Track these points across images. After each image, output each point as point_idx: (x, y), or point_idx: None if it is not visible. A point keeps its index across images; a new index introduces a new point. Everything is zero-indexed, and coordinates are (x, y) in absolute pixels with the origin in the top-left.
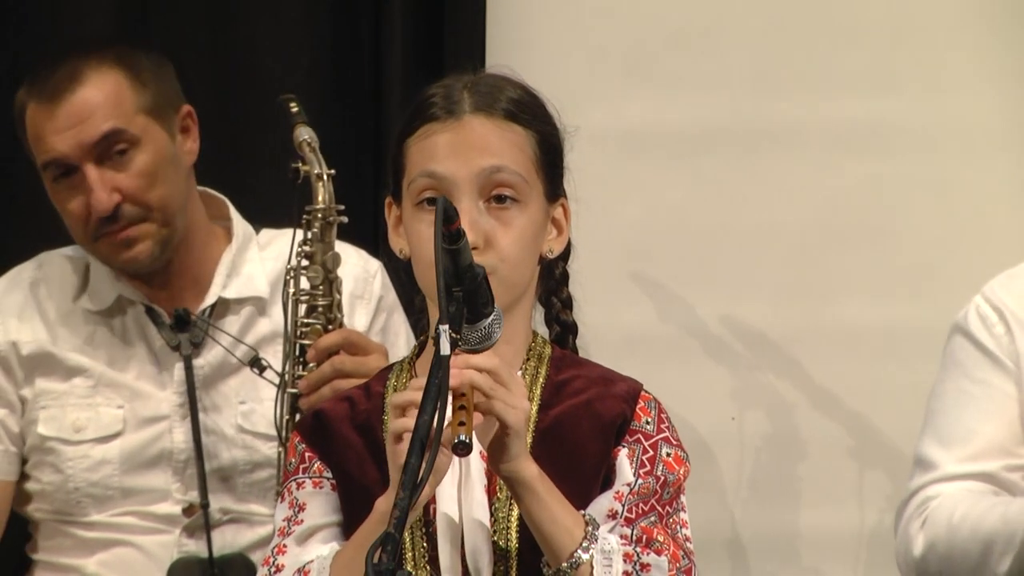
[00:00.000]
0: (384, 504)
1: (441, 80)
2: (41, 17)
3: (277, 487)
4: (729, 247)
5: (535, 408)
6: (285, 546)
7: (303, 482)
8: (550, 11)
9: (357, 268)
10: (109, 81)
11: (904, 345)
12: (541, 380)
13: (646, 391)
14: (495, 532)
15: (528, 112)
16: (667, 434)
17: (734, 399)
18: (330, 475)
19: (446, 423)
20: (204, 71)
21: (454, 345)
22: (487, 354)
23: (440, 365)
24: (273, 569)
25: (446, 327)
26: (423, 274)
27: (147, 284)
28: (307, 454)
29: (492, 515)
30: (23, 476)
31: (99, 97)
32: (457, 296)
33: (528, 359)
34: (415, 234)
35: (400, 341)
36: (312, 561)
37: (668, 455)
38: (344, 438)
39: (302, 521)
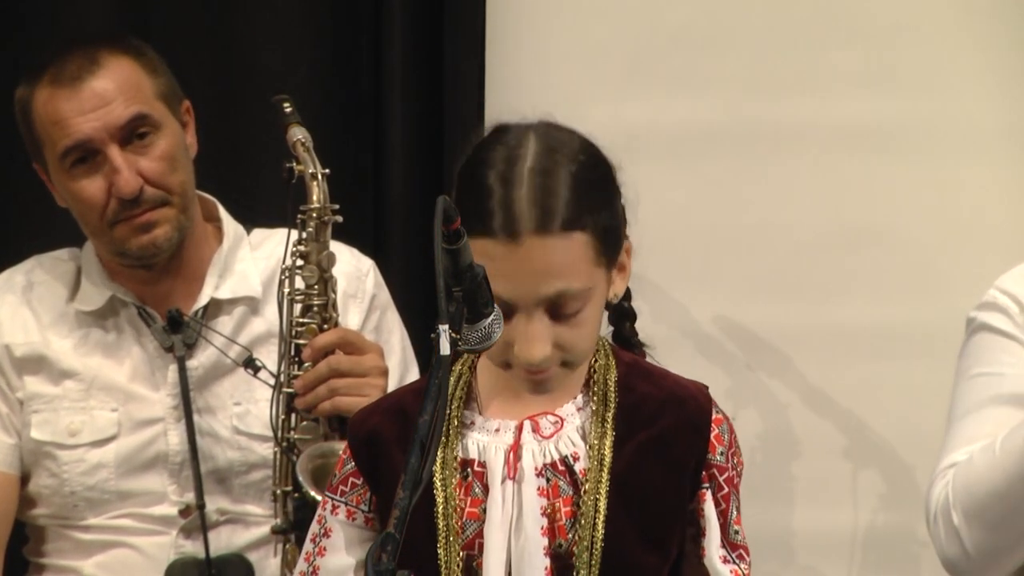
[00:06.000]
0: None
1: (493, 164)
2: (41, 17)
3: (273, 487)
4: (725, 247)
5: (609, 442)
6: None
7: (338, 507)
8: (550, 11)
9: (349, 267)
10: (126, 67)
11: (900, 345)
12: (612, 409)
13: (717, 411)
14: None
15: (586, 206)
16: (736, 459)
17: (728, 399)
18: (366, 508)
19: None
20: (204, 71)
21: (454, 345)
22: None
23: (440, 365)
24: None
25: (446, 327)
26: None
27: (140, 283)
28: (352, 478)
29: (561, 547)
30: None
31: (120, 82)
32: (457, 296)
33: (593, 381)
34: None
35: (394, 339)
36: None
37: (736, 483)
38: (394, 463)
39: (324, 550)
